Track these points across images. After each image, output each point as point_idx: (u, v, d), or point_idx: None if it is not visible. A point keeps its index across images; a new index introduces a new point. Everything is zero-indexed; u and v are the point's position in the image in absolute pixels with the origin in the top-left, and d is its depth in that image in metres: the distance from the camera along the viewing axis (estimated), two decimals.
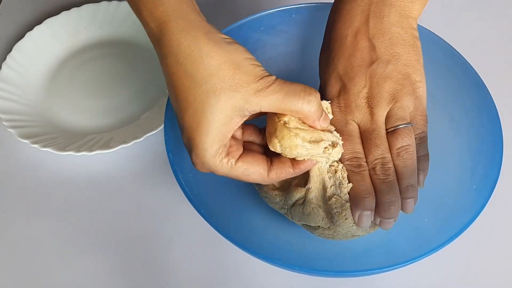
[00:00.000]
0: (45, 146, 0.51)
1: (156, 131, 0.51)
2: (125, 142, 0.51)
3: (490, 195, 0.39)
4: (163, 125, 0.51)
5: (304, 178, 0.41)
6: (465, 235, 0.38)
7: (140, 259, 0.47)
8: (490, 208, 0.40)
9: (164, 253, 0.47)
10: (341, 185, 0.40)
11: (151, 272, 0.46)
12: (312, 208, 0.40)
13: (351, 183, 0.40)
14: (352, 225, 0.40)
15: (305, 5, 0.51)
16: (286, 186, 0.42)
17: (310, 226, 0.42)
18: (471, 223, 0.38)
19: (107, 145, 0.51)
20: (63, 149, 0.51)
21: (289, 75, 0.53)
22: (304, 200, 0.41)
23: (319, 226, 0.41)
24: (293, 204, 0.42)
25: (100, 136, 0.53)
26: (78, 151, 0.50)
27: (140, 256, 0.47)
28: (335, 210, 0.40)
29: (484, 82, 0.45)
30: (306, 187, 0.41)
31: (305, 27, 0.52)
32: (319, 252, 0.43)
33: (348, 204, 0.40)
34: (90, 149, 0.51)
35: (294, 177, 0.44)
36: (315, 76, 0.45)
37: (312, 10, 0.51)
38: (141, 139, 0.51)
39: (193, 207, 0.39)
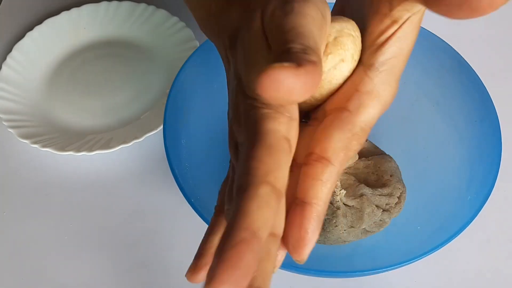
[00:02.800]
0: (45, 146, 0.51)
1: (156, 131, 0.51)
2: (125, 142, 0.51)
3: (482, 207, 0.39)
4: (163, 125, 0.51)
5: None
6: (465, 236, 0.38)
7: (140, 258, 0.47)
8: (490, 210, 0.40)
9: (164, 252, 0.47)
10: (333, 192, 0.40)
11: (152, 272, 0.46)
12: None
13: (344, 190, 0.40)
14: (343, 232, 0.40)
15: None
16: None
17: None
18: (462, 231, 0.38)
19: (107, 145, 0.51)
20: (63, 149, 0.51)
21: None
22: None
23: None
24: None
25: (100, 136, 0.53)
26: (78, 151, 0.50)
27: (141, 256, 0.47)
28: (325, 217, 0.40)
29: (489, 93, 0.45)
30: None
31: None
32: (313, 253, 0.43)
33: (339, 211, 0.40)
34: (90, 149, 0.51)
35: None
36: None
37: None
38: (141, 139, 0.51)
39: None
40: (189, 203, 0.39)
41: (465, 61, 0.46)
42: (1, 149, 0.54)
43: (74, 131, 0.54)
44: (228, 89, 0.30)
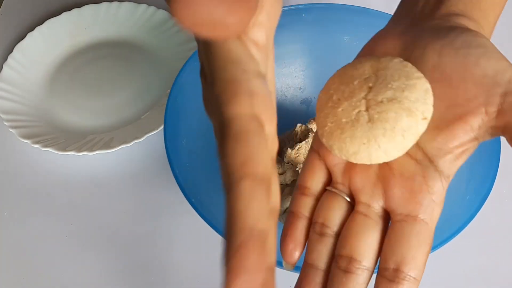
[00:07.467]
0: (46, 146, 0.51)
1: (156, 131, 0.52)
2: (125, 142, 0.51)
3: (481, 207, 0.39)
4: (163, 125, 0.51)
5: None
6: (465, 236, 0.38)
7: (141, 258, 0.47)
8: (490, 209, 0.40)
9: (165, 252, 0.47)
10: None
11: (152, 272, 0.46)
12: None
13: None
14: None
15: (317, 5, 0.50)
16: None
17: None
18: (461, 230, 0.38)
19: (107, 145, 0.51)
20: (64, 149, 0.51)
21: (295, 74, 0.53)
22: None
23: None
24: (284, 211, 0.42)
25: (100, 136, 0.53)
26: (79, 151, 0.51)
27: (141, 256, 0.47)
28: None
29: None
30: None
31: (315, 27, 0.52)
32: None
33: None
34: (91, 149, 0.51)
35: (285, 184, 0.44)
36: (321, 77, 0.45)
37: (324, 11, 0.50)
38: (142, 139, 0.51)
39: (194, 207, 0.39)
40: (189, 202, 0.39)
41: None
42: (2, 149, 0.54)
43: (75, 131, 0.55)
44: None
